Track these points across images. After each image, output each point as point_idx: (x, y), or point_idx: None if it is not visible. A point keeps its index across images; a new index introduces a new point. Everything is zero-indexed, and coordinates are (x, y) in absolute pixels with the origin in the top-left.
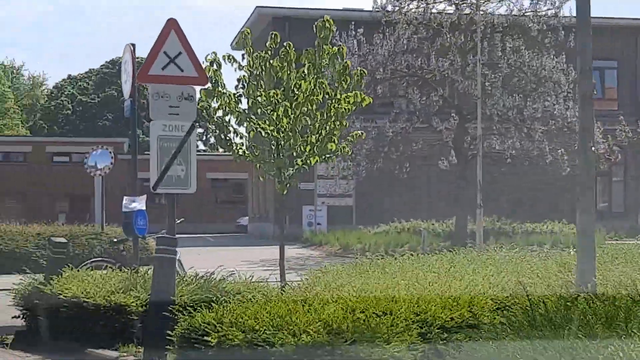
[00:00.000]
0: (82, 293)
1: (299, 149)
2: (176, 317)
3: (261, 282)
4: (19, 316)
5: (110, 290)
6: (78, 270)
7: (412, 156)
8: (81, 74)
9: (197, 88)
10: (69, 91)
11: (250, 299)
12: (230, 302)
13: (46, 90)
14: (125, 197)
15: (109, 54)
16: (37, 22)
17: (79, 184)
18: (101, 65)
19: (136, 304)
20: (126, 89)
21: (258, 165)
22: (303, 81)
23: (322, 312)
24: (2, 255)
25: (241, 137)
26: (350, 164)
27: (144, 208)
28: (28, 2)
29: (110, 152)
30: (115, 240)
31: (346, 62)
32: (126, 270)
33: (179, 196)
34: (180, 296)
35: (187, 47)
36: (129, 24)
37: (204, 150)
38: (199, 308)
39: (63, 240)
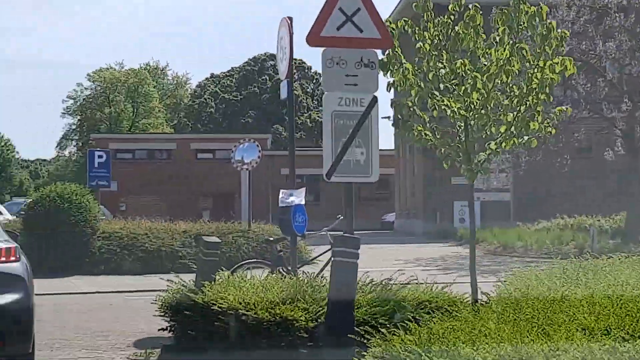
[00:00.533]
0: (241, 304)
1: (491, 129)
2: (359, 337)
3: (443, 287)
4: (166, 328)
5: (273, 300)
6: (232, 274)
7: (572, 147)
8: (224, 73)
9: (379, 53)
10: (212, 89)
11: (455, 314)
12: (420, 317)
13: (189, 90)
14: (281, 191)
15: (250, 52)
16: (180, 23)
17: (222, 180)
18: (244, 63)
19: (305, 318)
20: (282, 67)
21: (442, 150)
22: (494, 49)
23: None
24: (147, 253)
25: (420, 117)
26: (509, 157)
27: (303, 202)
28: (171, 5)
29: (257, 146)
30: (271, 239)
31: (550, 23)
32: (285, 273)
33: (321, 193)
34: (357, 308)
35: (367, 1)
36: (269, 19)
37: None
38: (381, 324)
39: (216, 239)
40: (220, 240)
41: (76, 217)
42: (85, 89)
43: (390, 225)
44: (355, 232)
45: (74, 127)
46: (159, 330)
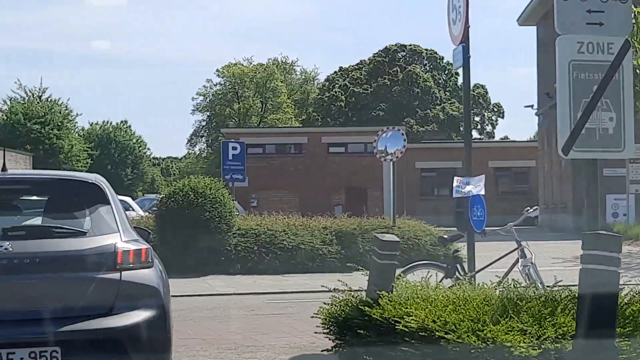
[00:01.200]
0: (436, 322)
1: None
2: None
3: None
4: (330, 349)
5: (477, 318)
6: (400, 278)
7: None
8: (352, 66)
9: None
10: (341, 83)
11: None
12: None
13: (318, 84)
14: (455, 179)
15: (379, 44)
16: (306, 20)
17: (355, 175)
18: (373, 54)
19: (525, 343)
20: (455, 30)
21: None
22: None
23: None
24: (285, 251)
25: None
26: None
27: (483, 193)
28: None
29: (402, 134)
30: (445, 236)
31: None
32: (462, 278)
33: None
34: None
35: None
36: (398, 8)
37: (479, 139)
38: None
39: (394, 237)
40: (398, 240)
41: (211, 212)
42: (215, 85)
43: (533, 221)
44: (496, 227)
45: (203, 123)
46: (322, 351)
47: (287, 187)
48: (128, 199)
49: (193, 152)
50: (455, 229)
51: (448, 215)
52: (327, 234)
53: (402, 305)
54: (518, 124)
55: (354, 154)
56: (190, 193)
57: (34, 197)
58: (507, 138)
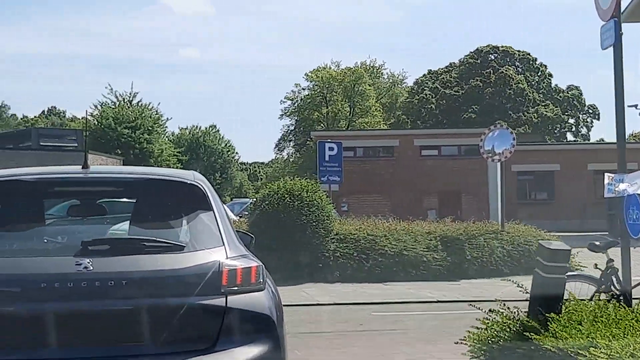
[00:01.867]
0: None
1: None
2: None
3: None
4: None
5: None
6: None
7: None
8: (441, 69)
9: None
10: (431, 85)
11: None
12: None
13: (406, 87)
14: (606, 175)
15: (468, 47)
16: (391, 25)
17: (448, 178)
18: (465, 56)
19: None
20: (604, 4)
21: None
22: None
23: None
24: (387, 258)
25: None
26: None
27: None
28: (377, 8)
29: (511, 133)
30: (597, 243)
31: None
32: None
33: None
34: None
35: None
36: (490, 10)
37: (574, 141)
38: None
39: (564, 246)
40: (569, 249)
41: (308, 216)
42: (303, 89)
43: None
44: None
45: (291, 128)
46: None
47: (379, 191)
48: None
49: (281, 156)
50: (606, 234)
51: (545, 219)
52: (431, 240)
53: (581, 333)
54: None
55: (447, 157)
56: (286, 195)
57: (123, 200)
58: (603, 140)
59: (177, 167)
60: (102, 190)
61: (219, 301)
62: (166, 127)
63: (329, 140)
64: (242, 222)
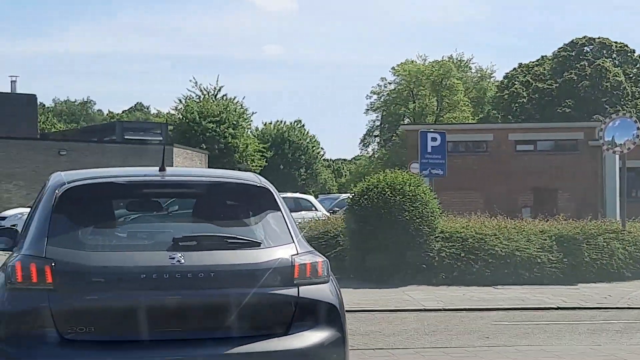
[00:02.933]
0: None
1: None
2: None
3: None
4: None
5: None
6: None
7: None
8: (532, 62)
9: None
10: (522, 79)
11: None
12: None
13: (494, 82)
14: None
15: (561, 39)
16: (477, 21)
17: (544, 174)
18: (559, 49)
19: None
20: None
21: None
22: None
23: None
24: (497, 259)
25: None
26: None
27: None
28: (462, 4)
29: (635, 122)
30: None
31: None
32: None
33: None
34: None
35: None
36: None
37: None
38: None
39: None
40: None
41: (410, 212)
42: (389, 83)
43: None
44: None
45: (377, 123)
46: None
47: (471, 187)
48: (311, 198)
49: (366, 152)
50: None
51: None
52: (545, 239)
53: None
54: None
55: (543, 152)
56: (387, 189)
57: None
58: None
59: (261, 163)
60: (180, 192)
61: (292, 292)
62: (251, 120)
63: (432, 131)
64: (338, 219)
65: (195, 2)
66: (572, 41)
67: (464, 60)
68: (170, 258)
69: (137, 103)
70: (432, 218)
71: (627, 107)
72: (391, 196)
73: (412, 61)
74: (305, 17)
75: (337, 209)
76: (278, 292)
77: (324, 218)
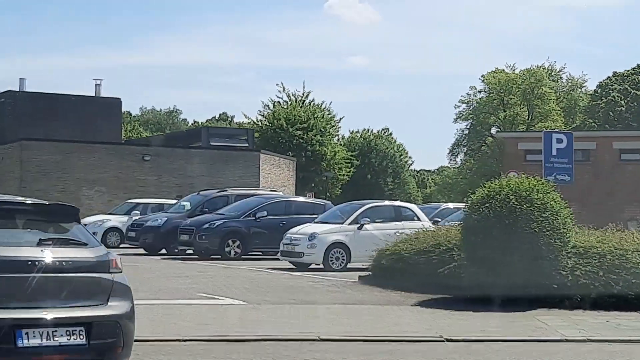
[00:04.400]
0: None
1: None
2: None
3: None
4: None
5: None
6: None
7: None
8: (628, 71)
9: None
10: (619, 87)
11: None
12: None
13: (586, 91)
14: None
15: None
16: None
17: None
18: None
19: None
20: None
21: None
22: None
23: None
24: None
25: None
26: None
27: None
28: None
29: None
30: None
31: None
32: None
33: None
34: None
35: None
36: None
37: None
38: None
39: None
40: None
41: (539, 223)
42: (479, 92)
43: None
44: None
45: (466, 132)
46: None
47: (572, 197)
48: (413, 207)
49: (454, 162)
50: None
51: None
52: None
53: None
54: None
55: None
56: (512, 197)
57: None
58: None
59: (348, 172)
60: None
61: (110, 277)
62: (339, 127)
63: (557, 131)
64: (451, 229)
65: (281, 14)
66: None
67: (555, 70)
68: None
69: (222, 113)
70: (564, 230)
71: None
72: (517, 204)
73: (502, 70)
74: (387, 28)
75: (439, 219)
76: (102, 276)
77: (429, 229)
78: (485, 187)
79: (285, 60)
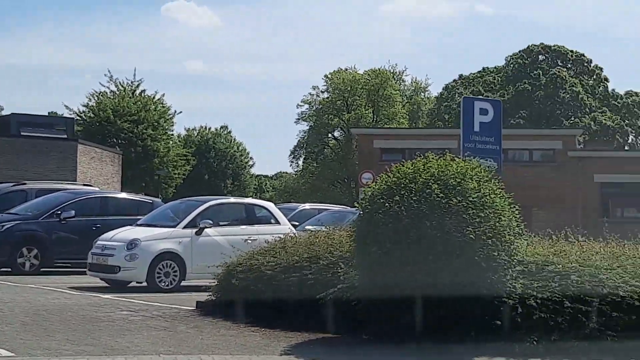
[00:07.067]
0: None
1: None
2: None
3: None
4: None
5: None
6: None
7: None
8: (473, 74)
9: None
10: (465, 90)
11: None
12: None
13: (429, 95)
14: None
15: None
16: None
17: (518, 189)
18: (512, 56)
19: None
20: None
21: None
22: None
23: None
24: (624, 310)
25: None
26: None
27: None
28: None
29: None
30: None
31: None
32: None
33: None
34: None
35: None
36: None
37: None
38: None
39: None
40: None
41: (475, 225)
42: (322, 92)
43: None
44: None
45: (308, 134)
46: None
47: None
48: (269, 205)
49: (296, 164)
50: None
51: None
52: None
53: None
54: None
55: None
56: (434, 186)
57: None
58: None
59: (184, 170)
60: None
61: None
62: (174, 122)
63: (481, 98)
64: (333, 236)
65: (115, 15)
66: (528, 48)
67: (396, 72)
68: None
69: (51, 112)
70: (510, 237)
71: (585, 120)
72: (442, 197)
73: (346, 69)
74: (227, 32)
75: (296, 223)
76: None
77: (291, 234)
78: (393, 172)
79: (123, 62)
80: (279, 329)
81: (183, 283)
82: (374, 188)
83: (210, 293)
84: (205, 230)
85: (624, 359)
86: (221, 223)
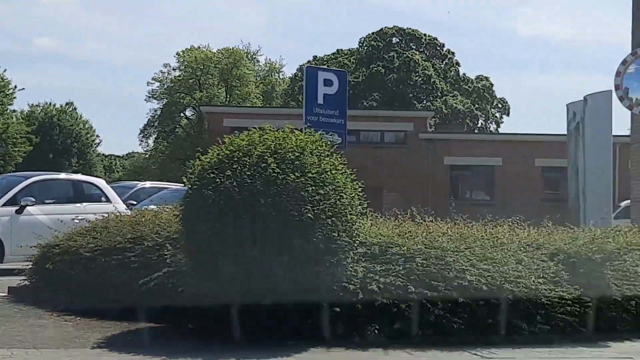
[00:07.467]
0: None
1: None
2: None
3: None
4: None
5: None
6: None
7: None
8: (327, 55)
9: None
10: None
11: None
12: None
13: (283, 77)
14: None
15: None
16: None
17: (368, 171)
18: (366, 37)
19: None
20: None
21: None
22: None
23: None
24: (473, 297)
25: None
26: None
27: None
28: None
29: None
30: None
31: None
32: None
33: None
34: None
35: None
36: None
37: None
38: None
39: None
40: None
41: (316, 204)
42: (174, 69)
43: None
44: None
45: (158, 113)
46: None
47: None
48: (100, 182)
49: (146, 144)
50: None
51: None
52: (544, 260)
53: None
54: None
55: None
56: (269, 159)
57: None
58: None
59: (26, 149)
60: None
61: None
62: (14, 97)
63: (325, 69)
64: (161, 215)
65: None
66: (381, 30)
67: (250, 53)
68: None
69: None
70: (352, 217)
71: (436, 103)
72: (279, 172)
73: (199, 47)
74: (81, 9)
75: (134, 202)
76: None
77: (124, 213)
78: (225, 144)
79: None
80: (96, 318)
81: (1, 266)
82: (204, 162)
83: (24, 277)
84: (27, 208)
85: (467, 348)
86: (46, 201)
